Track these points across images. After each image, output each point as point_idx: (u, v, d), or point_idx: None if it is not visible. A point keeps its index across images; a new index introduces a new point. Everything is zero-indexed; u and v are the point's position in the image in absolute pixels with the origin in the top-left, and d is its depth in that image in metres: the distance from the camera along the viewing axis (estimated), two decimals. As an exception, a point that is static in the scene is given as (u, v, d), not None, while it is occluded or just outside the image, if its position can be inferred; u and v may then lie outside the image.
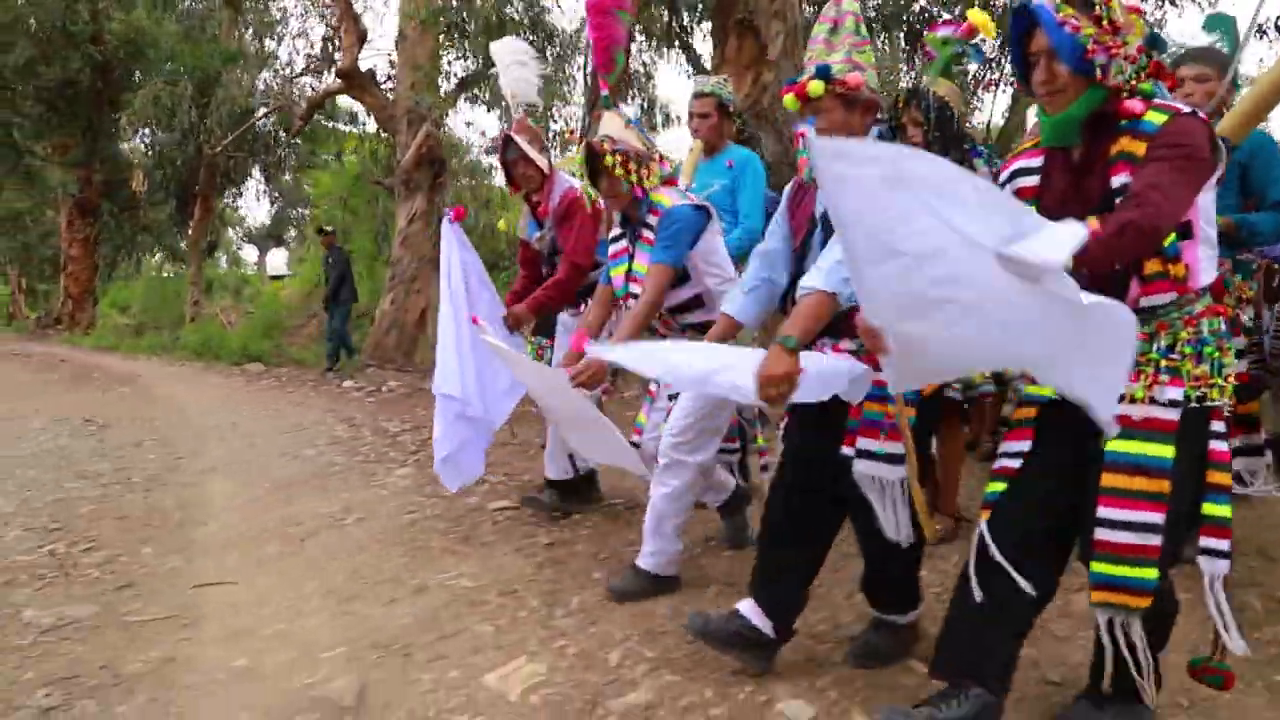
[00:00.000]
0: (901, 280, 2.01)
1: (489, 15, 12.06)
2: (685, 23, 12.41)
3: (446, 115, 13.98)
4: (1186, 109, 2.24)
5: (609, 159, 3.82)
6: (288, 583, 4.29)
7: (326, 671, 3.32)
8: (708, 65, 12.89)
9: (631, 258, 4.01)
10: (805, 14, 9.91)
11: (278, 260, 46.49)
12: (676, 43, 12.62)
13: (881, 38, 15.62)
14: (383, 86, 14.96)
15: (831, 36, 2.88)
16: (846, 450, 2.86)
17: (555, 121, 21.74)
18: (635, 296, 3.90)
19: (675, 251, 3.74)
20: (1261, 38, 11.07)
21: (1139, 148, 2.23)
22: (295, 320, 20.86)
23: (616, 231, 4.16)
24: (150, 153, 22.99)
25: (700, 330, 3.78)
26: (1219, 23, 4.50)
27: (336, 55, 17.19)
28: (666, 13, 11.96)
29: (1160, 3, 15.77)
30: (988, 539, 2.43)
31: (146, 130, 21.65)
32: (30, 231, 28.10)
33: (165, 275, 36.04)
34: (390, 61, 15.94)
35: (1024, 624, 2.51)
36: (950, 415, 4.24)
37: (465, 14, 11.80)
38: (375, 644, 3.54)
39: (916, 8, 15.48)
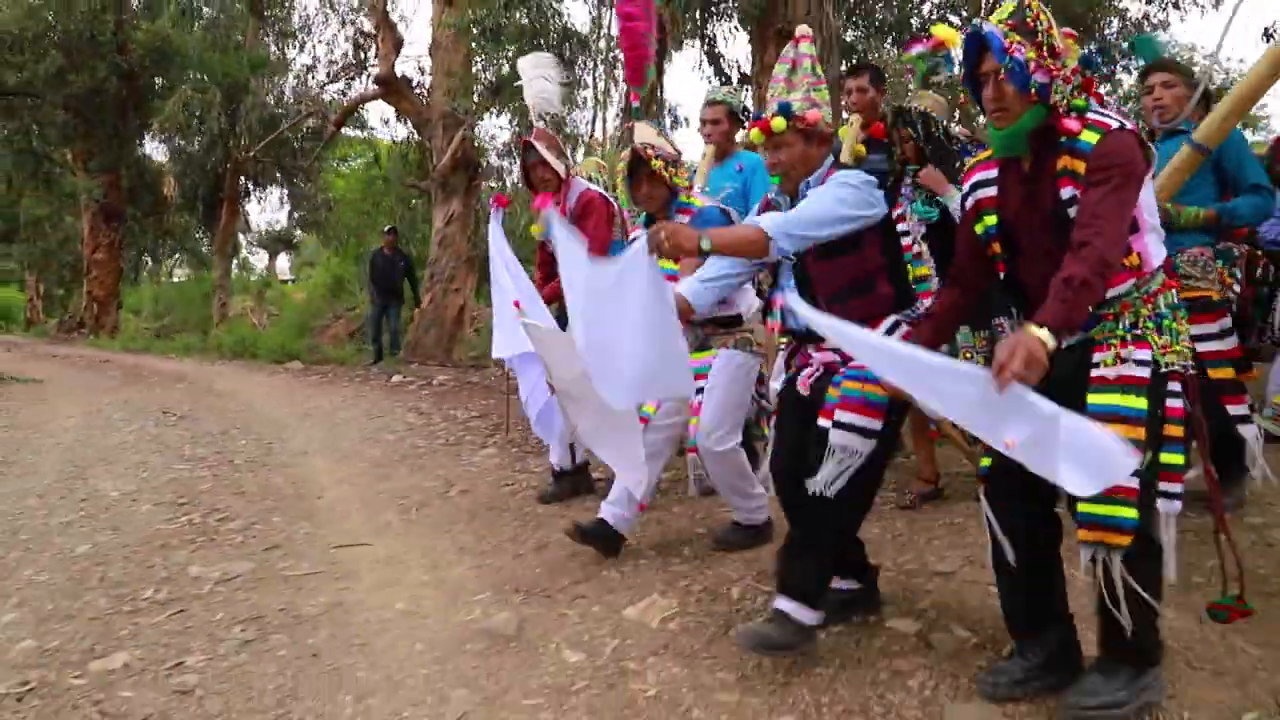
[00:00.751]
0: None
1: (521, 23, 12.57)
2: (710, 31, 12.92)
3: (481, 120, 14.48)
4: (1115, 124, 2.54)
5: (655, 162, 4.18)
6: (417, 543, 4.82)
7: (481, 611, 3.84)
8: (734, 71, 13.44)
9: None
10: (838, 26, 10.41)
11: (281, 264, 46.95)
12: (705, 53, 13.11)
13: (890, 40, 16.12)
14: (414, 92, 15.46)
15: (791, 76, 3.24)
16: (824, 423, 3.14)
17: (566, 126, 22.31)
18: None
19: None
20: (1268, 41, 11.54)
21: (1079, 165, 2.54)
22: (320, 321, 21.38)
23: (639, 232, 4.46)
24: (178, 159, 23.47)
25: (716, 324, 4.19)
26: (1145, 44, 5.02)
27: (369, 62, 17.69)
28: (687, 12, 12.41)
29: (1164, 5, 16.36)
30: (988, 511, 2.81)
31: (173, 137, 22.15)
32: (50, 238, 28.53)
33: (179, 280, 36.58)
34: (420, 68, 16.46)
35: (1053, 562, 2.87)
36: None
37: (500, 22, 12.27)
38: (517, 589, 4.06)
39: (928, 11, 16.00)
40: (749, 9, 9.03)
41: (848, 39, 14.58)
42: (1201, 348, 3.95)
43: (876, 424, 3.09)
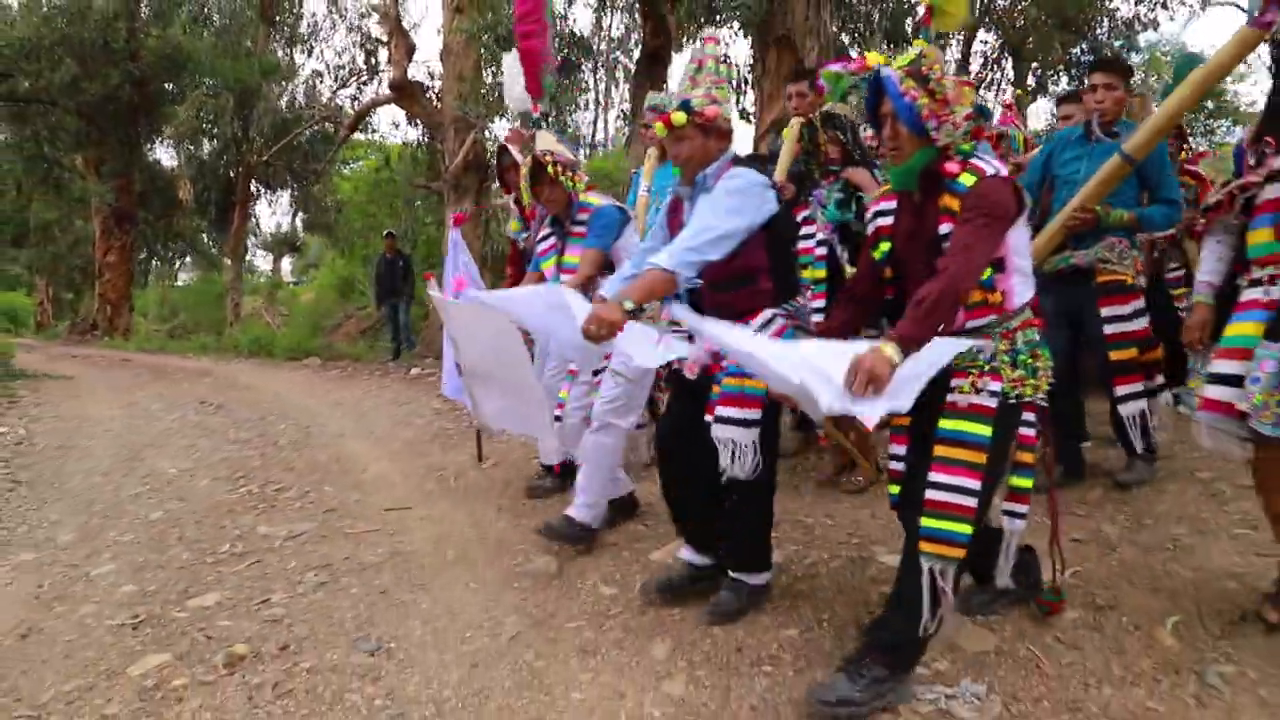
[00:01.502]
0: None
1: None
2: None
3: (492, 123, 15.00)
4: (991, 171, 2.77)
5: (552, 168, 4.56)
6: (459, 507, 5.39)
7: (524, 557, 4.42)
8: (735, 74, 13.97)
9: (560, 251, 4.80)
10: (834, 32, 10.97)
11: (283, 266, 47.44)
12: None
13: (885, 45, 16.66)
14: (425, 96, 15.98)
15: (696, 74, 3.41)
16: (707, 418, 3.45)
17: (569, 128, 22.89)
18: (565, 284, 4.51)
19: (605, 240, 4.56)
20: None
21: (955, 204, 2.77)
22: (331, 320, 21.92)
23: (546, 231, 4.94)
24: (190, 163, 24.04)
25: None
26: (1191, 61, 5.37)
27: (380, 67, 18.22)
28: (691, 19, 12.90)
29: (1152, 6, 16.92)
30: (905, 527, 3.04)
31: (185, 142, 22.71)
32: (59, 242, 29.01)
33: (185, 282, 37.09)
34: (430, 73, 17.01)
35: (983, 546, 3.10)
36: None
37: (511, 28, 12.75)
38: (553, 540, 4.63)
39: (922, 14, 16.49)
40: (750, 17, 9.57)
41: (845, 42, 15.13)
42: (1110, 329, 4.50)
43: (755, 414, 3.38)
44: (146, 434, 8.23)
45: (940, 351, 2.63)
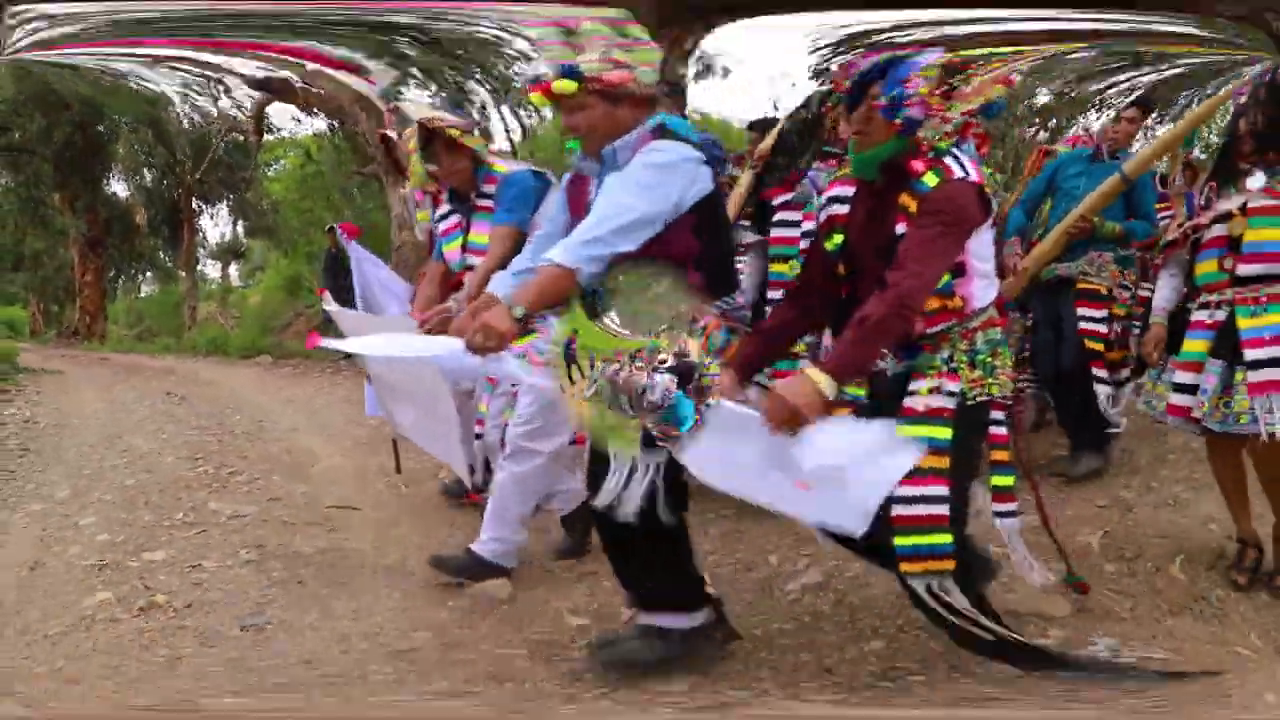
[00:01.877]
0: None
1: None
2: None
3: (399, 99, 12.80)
4: (959, 174, 2.34)
5: (451, 131, 3.68)
6: (409, 512, 5.19)
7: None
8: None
9: (466, 230, 3.86)
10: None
11: (232, 272, 47.15)
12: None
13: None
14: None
15: (571, 38, 2.63)
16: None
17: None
18: (474, 269, 3.71)
19: (519, 214, 3.65)
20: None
21: (914, 205, 2.35)
22: (280, 320, 21.84)
23: (446, 209, 3.96)
24: (139, 192, 25.03)
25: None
26: None
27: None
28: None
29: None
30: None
31: (132, 174, 24.05)
32: (47, 266, 30.25)
33: (147, 294, 37.31)
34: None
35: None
36: None
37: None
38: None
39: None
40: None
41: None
42: (1084, 325, 4.82)
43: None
44: (126, 419, 8.61)
45: (898, 465, 2.28)
